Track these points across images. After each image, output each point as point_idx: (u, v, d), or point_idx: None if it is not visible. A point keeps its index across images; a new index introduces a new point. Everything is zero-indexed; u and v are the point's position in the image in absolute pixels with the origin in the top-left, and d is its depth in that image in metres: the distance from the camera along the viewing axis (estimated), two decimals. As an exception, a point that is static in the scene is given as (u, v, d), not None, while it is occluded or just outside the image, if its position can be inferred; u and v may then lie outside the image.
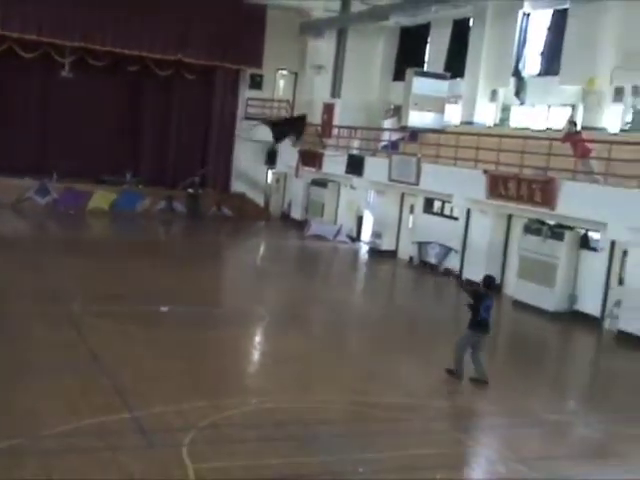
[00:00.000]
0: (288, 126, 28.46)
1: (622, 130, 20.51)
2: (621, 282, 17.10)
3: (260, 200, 32.78)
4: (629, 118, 20.74)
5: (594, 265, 18.14)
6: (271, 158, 32.06)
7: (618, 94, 20.82)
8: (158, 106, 31.80)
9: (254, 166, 32.51)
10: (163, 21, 28.80)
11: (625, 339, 16.22)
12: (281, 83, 33.11)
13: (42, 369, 10.82)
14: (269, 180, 33.45)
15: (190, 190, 30.19)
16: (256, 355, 13.58)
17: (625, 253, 17.04)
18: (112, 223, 28.44)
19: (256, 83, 32.11)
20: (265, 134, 31.49)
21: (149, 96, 31.77)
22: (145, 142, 31.91)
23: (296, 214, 31.07)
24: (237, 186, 32.40)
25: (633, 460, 9.91)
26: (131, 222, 28.43)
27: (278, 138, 28.06)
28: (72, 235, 24.71)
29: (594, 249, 18.34)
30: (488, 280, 12.37)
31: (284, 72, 32.95)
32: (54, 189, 28.42)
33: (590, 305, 18.08)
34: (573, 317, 18.21)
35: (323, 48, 31.19)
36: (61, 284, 16.33)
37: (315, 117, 30.51)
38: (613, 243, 17.52)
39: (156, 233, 27.08)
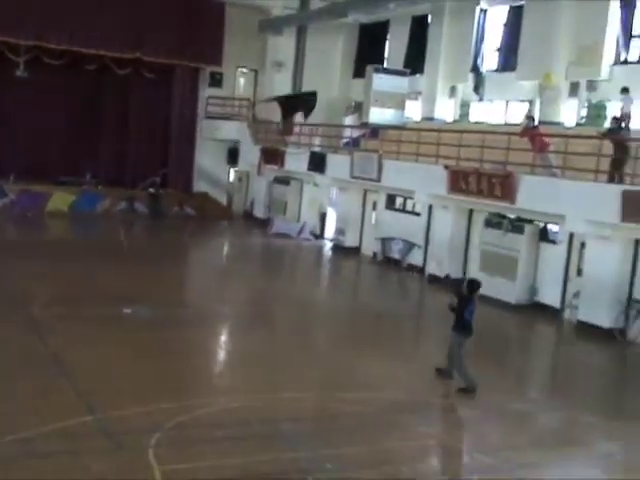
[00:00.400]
0: (299, 101, 27.97)
1: (578, 124, 20.90)
2: (580, 273, 17.42)
3: (223, 199, 32.66)
4: (584, 112, 21.13)
5: (553, 257, 18.45)
6: (233, 157, 31.98)
7: (573, 89, 21.20)
8: (117, 105, 31.49)
9: (216, 165, 32.38)
10: (121, 19, 28.43)
11: (584, 329, 16.54)
12: (241, 81, 33.00)
13: (1, 372, 10.64)
14: (231, 179, 33.34)
15: (151, 190, 29.91)
16: (222, 354, 13.56)
17: (583, 245, 17.36)
18: (72, 224, 28.07)
19: (216, 81, 31.94)
20: (227, 132, 31.43)
21: (108, 95, 31.42)
22: (104, 142, 31.57)
23: (259, 212, 31.02)
24: (199, 185, 32.21)
25: (592, 447, 10.13)
26: (91, 223, 28.10)
27: (288, 113, 27.45)
28: (31, 237, 24.31)
29: (553, 241, 18.65)
30: (471, 285, 12.13)
31: (244, 70, 32.84)
32: (11, 191, 27.95)
33: (550, 296, 18.38)
34: (534, 309, 18.51)
35: (283, 45, 31.15)
36: (21, 286, 16.07)
37: (276, 115, 30.48)
38: (571, 235, 17.83)
39: (117, 234, 26.75)
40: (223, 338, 14.49)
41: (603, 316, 16.23)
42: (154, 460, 8.17)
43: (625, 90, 17.58)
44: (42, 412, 9.29)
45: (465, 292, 11.96)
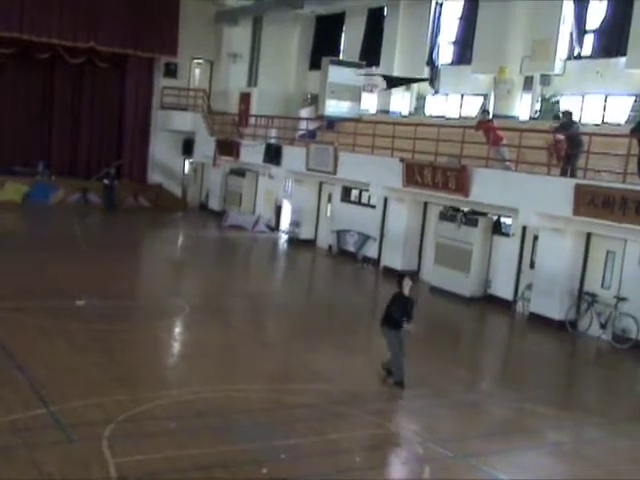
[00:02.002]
0: (403, 80, 26.72)
1: (532, 118, 21.21)
2: (532, 266, 17.69)
3: (177, 191, 32.39)
4: (538, 106, 21.44)
5: (507, 250, 18.70)
6: (188, 148, 31.71)
7: (527, 83, 21.49)
8: (70, 95, 31.00)
9: (171, 156, 32.10)
10: (74, 7, 28.01)
11: (536, 321, 16.82)
12: (197, 72, 32.72)
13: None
14: (186, 170, 33.05)
15: (105, 181, 29.51)
16: (176, 347, 13.44)
17: (536, 238, 17.63)
18: (24, 216, 27.52)
19: (171, 72, 31.62)
20: (181, 124, 31.10)
21: (61, 85, 30.91)
22: (58, 132, 31.05)
23: (214, 204, 30.84)
24: (154, 177, 31.91)
25: (543, 436, 10.32)
26: (44, 215, 27.58)
27: (392, 85, 26.25)
28: (-20, 229, 23.80)
29: (506, 234, 18.90)
30: (399, 279, 12.06)
31: (199, 61, 32.57)
32: (-40, 181, 27.32)
33: (503, 289, 18.64)
34: (488, 301, 18.75)
35: (239, 37, 30.99)
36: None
37: (232, 106, 30.32)
38: (524, 228, 18.09)
39: (71, 226, 26.29)
40: (177, 330, 14.36)
41: (555, 308, 16.52)
42: (108, 452, 8.09)
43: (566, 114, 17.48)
44: (-7, 405, 9.12)
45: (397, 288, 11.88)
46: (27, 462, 7.78)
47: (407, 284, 11.78)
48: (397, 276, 12.65)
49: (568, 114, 17.39)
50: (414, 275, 19.28)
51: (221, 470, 8.05)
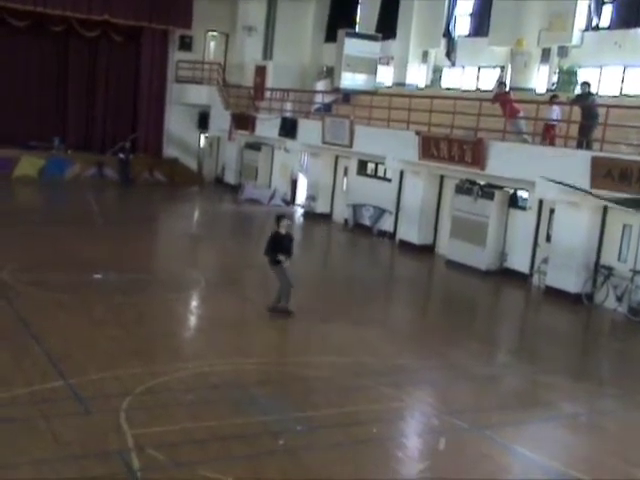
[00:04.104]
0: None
1: (549, 90, 20.96)
2: (548, 240, 17.60)
3: (193, 165, 32.41)
4: (555, 79, 21.19)
5: (523, 224, 18.60)
6: (203, 122, 31.67)
7: (545, 55, 21.24)
8: (85, 68, 30.92)
9: (186, 130, 32.07)
10: (88, -21, 27.86)
11: (552, 294, 16.76)
12: (212, 45, 32.58)
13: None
14: (202, 144, 33.04)
15: (121, 155, 29.57)
16: (192, 320, 13.54)
17: (552, 211, 17.52)
18: (40, 190, 27.67)
19: (186, 45, 31.50)
20: (197, 97, 31.05)
21: (75, 58, 30.80)
22: (72, 106, 31.05)
23: (230, 178, 30.84)
24: (169, 151, 31.92)
25: (558, 408, 10.33)
26: (60, 189, 27.73)
27: None
28: (-1, 203, 23.96)
29: (523, 208, 18.79)
30: (277, 220, 13.33)
31: (214, 34, 32.40)
32: (-23, 156, 27.46)
33: (519, 262, 18.58)
34: (504, 275, 18.70)
35: (254, 9, 30.79)
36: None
37: (247, 79, 30.20)
38: (541, 202, 17.97)
39: (87, 200, 26.46)
40: (193, 303, 14.46)
41: (571, 281, 16.46)
42: (125, 424, 8.19)
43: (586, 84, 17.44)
44: (12, 377, 9.26)
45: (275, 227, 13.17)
46: (46, 432, 7.90)
47: (284, 224, 13.17)
48: (276, 217, 13.65)
49: (586, 85, 17.21)
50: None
51: (238, 441, 8.15)
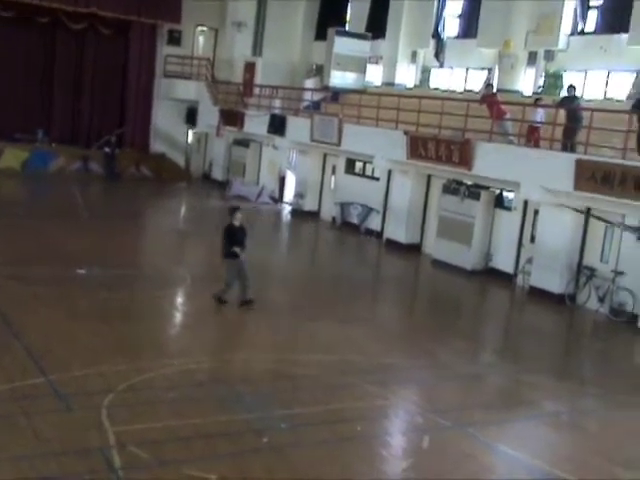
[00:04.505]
0: None
1: (535, 93, 21.09)
2: (533, 240, 17.72)
3: (180, 160, 32.28)
4: (542, 81, 21.33)
5: (508, 224, 18.71)
6: (191, 117, 31.55)
7: (532, 58, 21.38)
8: (71, 61, 30.61)
9: (174, 125, 31.90)
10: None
11: (536, 294, 16.88)
12: (201, 40, 32.43)
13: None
14: (189, 140, 32.92)
15: (106, 149, 29.40)
16: (177, 316, 13.51)
17: (537, 212, 17.63)
18: (24, 183, 27.44)
19: (174, 39, 31.33)
20: (185, 92, 30.90)
21: (62, 50, 30.44)
22: (58, 99, 30.71)
23: (217, 175, 30.77)
24: (157, 146, 31.76)
25: (541, 406, 10.43)
26: (44, 182, 27.53)
27: None
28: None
29: (508, 208, 18.90)
30: (230, 211, 13.42)
31: (204, 28, 32.26)
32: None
33: (504, 262, 18.68)
34: (489, 274, 18.80)
35: (244, 5, 30.68)
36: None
37: (236, 76, 30.13)
38: (526, 202, 18.08)
39: (71, 194, 26.32)
40: (179, 300, 14.43)
41: (554, 282, 16.58)
42: (107, 421, 8.15)
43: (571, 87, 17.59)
44: (-7, 372, 9.19)
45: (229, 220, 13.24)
46: (26, 429, 7.83)
47: (237, 217, 13.17)
48: (229, 209, 13.72)
49: (572, 88, 17.37)
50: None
51: (222, 439, 8.15)
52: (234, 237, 13.05)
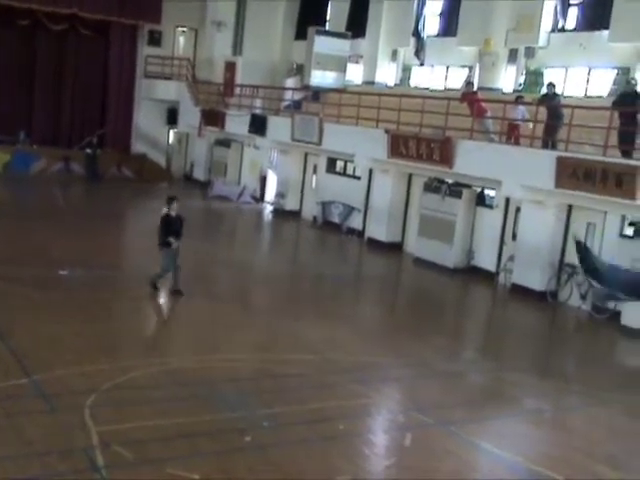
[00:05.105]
0: None
1: (516, 90, 21.21)
2: (514, 238, 17.82)
3: (162, 161, 32.18)
4: (522, 79, 21.45)
5: (490, 222, 18.81)
6: (172, 117, 31.45)
7: (512, 56, 21.49)
8: (52, 62, 30.45)
9: (155, 126, 31.81)
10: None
11: (518, 292, 16.98)
12: (181, 40, 32.34)
13: None
14: (171, 140, 32.81)
15: (88, 150, 29.25)
16: (160, 316, 13.48)
17: (518, 210, 17.73)
18: (5, 185, 27.19)
19: (155, 40, 31.25)
20: (166, 93, 30.79)
21: (42, 51, 30.30)
22: (39, 100, 30.54)
23: (199, 175, 30.70)
24: (138, 146, 31.65)
25: (523, 404, 10.51)
26: (26, 184, 27.33)
27: None
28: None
29: (490, 206, 19.00)
30: (170, 201, 13.72)
31: (184, 29, 32.16)
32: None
33: (486, 260, 18.78)
34: (471, 272, 18.89)
35: (223, 4, 30.65)
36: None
37: (216, 76, 30.06)
38: (507, 200, 18.18)
39: (53, 195, 26.15)
40: (161, 300, 14.36)
41: (536, 279, 16.69)
42: (90, 420, 8.12)
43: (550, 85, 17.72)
44: (-26, 374, 9.14)
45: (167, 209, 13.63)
46: (8, 430, 7.80)
47: (174, 207, 13.54)
48: (167, 198, 13.99)
49: (552, 86, 17.48)
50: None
51: (205, 438, 8.14)
52: (170, 226, 13.51)
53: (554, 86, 17.50)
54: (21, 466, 7.15)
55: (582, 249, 15.23)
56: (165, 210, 13.69)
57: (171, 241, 13.48)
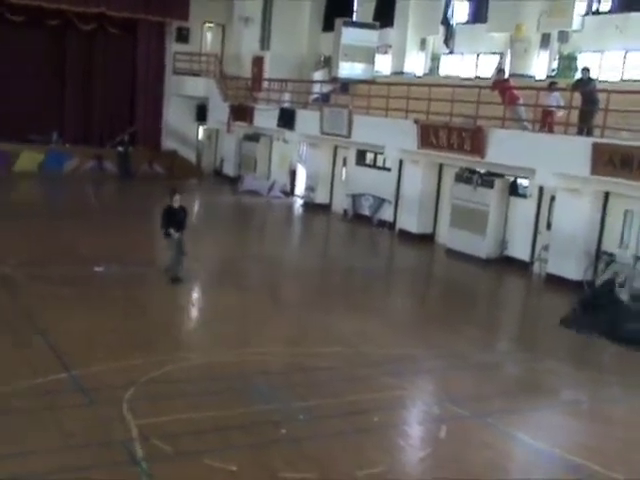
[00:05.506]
0: None
1: (549, 77, 20.89)
2: (549, 227, 17.58)
3: (192, 157, 32.33)
4: (555, 65, 21.11)
5: (523, 211, 18.57)
6: (202, 114, 31.59)
7: (545, 41, 21.15)
8: (82, 62, 30.76)
9: (185, 122, 31.99)
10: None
11: (553, 282, 16.76)
12: (208, 36, 32.45)
13: (-27, 333, 10.58)
14: (200, 136, 32.96)
15: (120, 148, 29.52)
16: (193, 311, 13.56)
17: (553, 198, 17.49)
18: (40, 184, 27.63)
19: (183, 37, 31.39)
20: (194, 89, 30.94)
21: (72, 51, 30.64)
22: (70, 99, 30.89)
23: (229, 170, 30.79)
24: (168, 143, 31.85)
25: (560, 395, 10.38)
26: (60, 183, 27.68)
27: None
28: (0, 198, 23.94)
29: (523, 195, 18.76)
30: (172, 193, 14.18)
31: (211, 25, 32.26)
32: (-23, 150, 27.42)
33: (520, 250, 18.56)
34: (504, 263, 18.69)
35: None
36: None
37: (244, 71, 30.11)
38: (541, 189, 17.94)
39: (87, 193, 26.46)
40: (194, 295, 14.46)
41: (572, 269, 16.45)
42: (129, 414, 8.20)
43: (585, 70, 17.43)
44: (17, 369, 9.28)
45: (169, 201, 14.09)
46: (50, 423, 7.92)
47: (176, 199, 13.98)
48: (170, 191, 14.43)
49: (586, 70, 17.16)
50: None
51: (239, 431, 8.15)
52: (173, 217, 13.95)
53: (589, 71, 17.17)
54: (63, 458, 7.26)
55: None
56: (168, 202, 14.10)
57: (171, 232, 13.85)
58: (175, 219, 13.97)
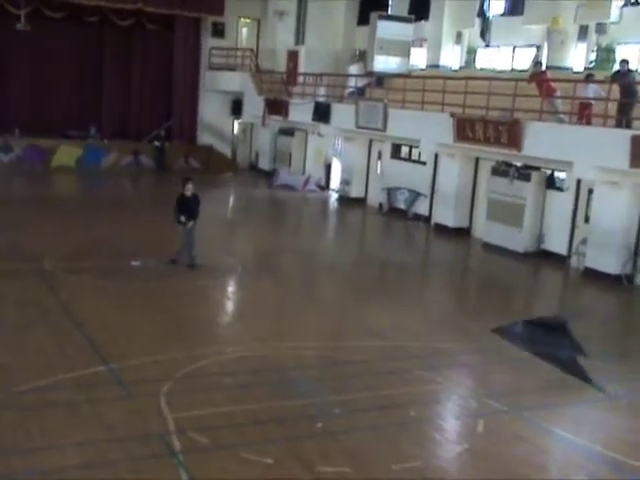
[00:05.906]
0: None
1: (586, 69, 20.59)
2: (587, 220, 17.36)
3: (227, 151, 32.52)
4: (593, 56, 20.80)
5: (561, 205, 18.37)
6: (237, 108, 31.74)
7: (582, 32, 20.85)
8: (119, 57, 31.17)
9: (220, 117, 32.17)
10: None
11: (591, 275, 16.56)
12: (244, 31, 32.58)
13: (14, 325, 10.80)
14: (236, 131, 33.13)
15: (156, 143, 29.82)
16: (229, 305, 13.65)
17: (591, 191, 17.26)
18: (78, 179, 28.03)
19: (218, 32, 31.55)
20: (230, 84, 31.09)
21: (110, 47, 31.09)
22: (108, 95, 31.33)
23: (264, 164, 30.92)
24: (204, 138, 32.07)
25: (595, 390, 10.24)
26: (98, 178, 28.04)
27: None
28: (38, 192, 24.31)
29: (560, 189, 18.54)
30: (185, 182, 14.68)
31: (246, 19, 32.38)
32: (17, 146, 27.89)
33: (557, 244, 18.37)
34: (541, 256, 18.51)
35: (285, -7, 30.68)
36: (30, 241, 16.17)
37: (279, 65, 30.17)
38: (579, 182, 17.72)
39: (124, 188, 26.78)
40: (230, 289, 14.57)
41: (610, 262, 16.24)
42: (166, 407, 8.31)
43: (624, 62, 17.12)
44: (56, 363, 9.45)
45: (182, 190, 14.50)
46: (90, 415, 8.06)
47: (189, 187, 14.42)
48: (182, 180, 14.93)
49: (625, 62, 16.90)
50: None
51: (276, 425, 8.21)
52: (185, 206, 14.37)
53: (627, 62, 16.93)
54: (102, 450, 7.38)
55: None
56: (180, 191, 14.51)
57: (182, 220, 14.28)
58: (187, 207, 14.35)
